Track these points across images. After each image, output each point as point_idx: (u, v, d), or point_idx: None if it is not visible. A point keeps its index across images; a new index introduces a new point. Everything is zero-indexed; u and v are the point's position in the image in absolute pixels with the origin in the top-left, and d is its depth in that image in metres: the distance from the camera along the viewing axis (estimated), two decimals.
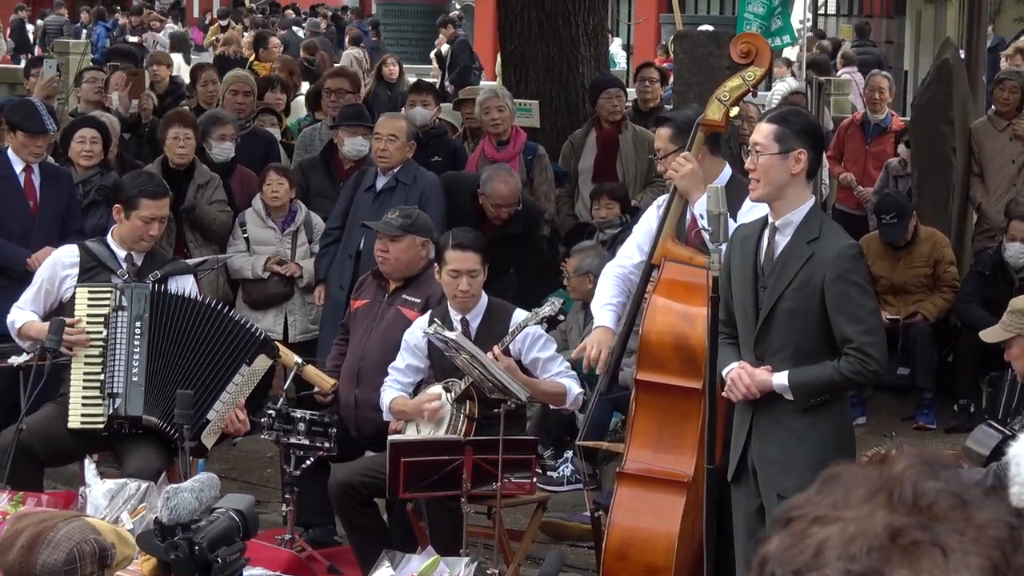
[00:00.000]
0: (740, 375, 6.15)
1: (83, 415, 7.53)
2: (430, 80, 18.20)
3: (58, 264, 7.83)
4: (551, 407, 8.21)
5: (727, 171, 6.99)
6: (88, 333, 7.56)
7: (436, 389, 7.64)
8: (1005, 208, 11.16)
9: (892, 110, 13.73)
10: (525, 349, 7.63)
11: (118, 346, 7.56)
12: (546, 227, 11.10)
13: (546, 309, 7.51)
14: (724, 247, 6.22)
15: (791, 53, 18.89)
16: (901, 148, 12.55)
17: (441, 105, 12.34)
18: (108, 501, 6.02)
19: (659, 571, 6.62)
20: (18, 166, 9.26)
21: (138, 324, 7.57)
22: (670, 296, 6.73)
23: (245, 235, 10.34)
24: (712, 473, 6.35)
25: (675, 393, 6.67)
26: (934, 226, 11.17)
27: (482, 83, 20.51)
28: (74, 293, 7.65)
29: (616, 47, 25.79)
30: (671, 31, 22.40)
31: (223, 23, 29.08)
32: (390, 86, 17.01)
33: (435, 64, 24.24)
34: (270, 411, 7.88)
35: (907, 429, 10.52)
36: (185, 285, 7.85)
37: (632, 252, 7.16)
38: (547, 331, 7.98)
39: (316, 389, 8.24)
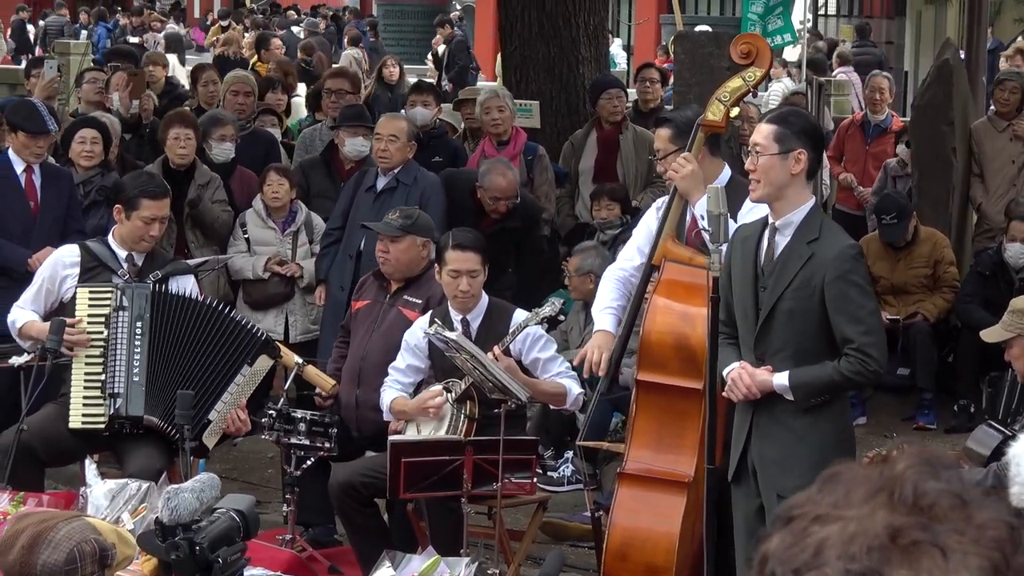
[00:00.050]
0: (740, 375, 6.16)
1: (84, 415, 7.53)
2: (428, 80, 18.19)
3: (59, 263, 7.83)
4: (551, 407, 8.21)
5: (726, 171, 6.99)
6: (89, 333, 7.56)
7: (437, 389, 7.64)
8: (1005, 208, 11.17)
9: (892, 111, 13.73)
10: (525, 349, 7.63)
11: (119, 346, 7.56)
12: (546, 227, 11.10)
13: (546, 309, 7.51)
14: (724, 247, 6.22)
15: (789, 54, 18.91)
16: (900, 148, 12.56)
17: (441, 106, 12.35)
18: (109, 501, 6.03)
19: (659, 571, 6.62)
20: (19, 166, 9.27)
21: (139, 324, 7.58)
22: (670, 296, 6.74)
23: (246, 235, 10.34)
24: (712, 473, 6.35)
25: (675, 393, 6.68)
26: (934, 226, 11.17)
27: (481, 83, 20.53)
28: (75, 293, 7.66)
29: (616, 48, 25.80)
30: (671, 32, 22.41)
31: (224, 23, 29.10)
32: (390, 88, 17.02)
33: (431, 64, 24.25)
34: (271, 411, 7.89)
35: (907, 429, 10.52)
36: (186, 285, 7.85)
37: (632, 255, 7.16)
38: (547, 331, 7.99)
39: (317, 390, 8.24)
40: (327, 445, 7.80)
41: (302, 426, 7.82)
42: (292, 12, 33.58)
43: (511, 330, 7.56)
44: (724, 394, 6.26)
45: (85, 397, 7.56)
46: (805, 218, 6.18)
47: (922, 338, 10.70)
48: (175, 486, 4.76)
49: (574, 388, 7.65)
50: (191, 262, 9.09)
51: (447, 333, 7.30)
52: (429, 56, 25.53)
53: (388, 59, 18.42)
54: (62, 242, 8.36)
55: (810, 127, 6.47)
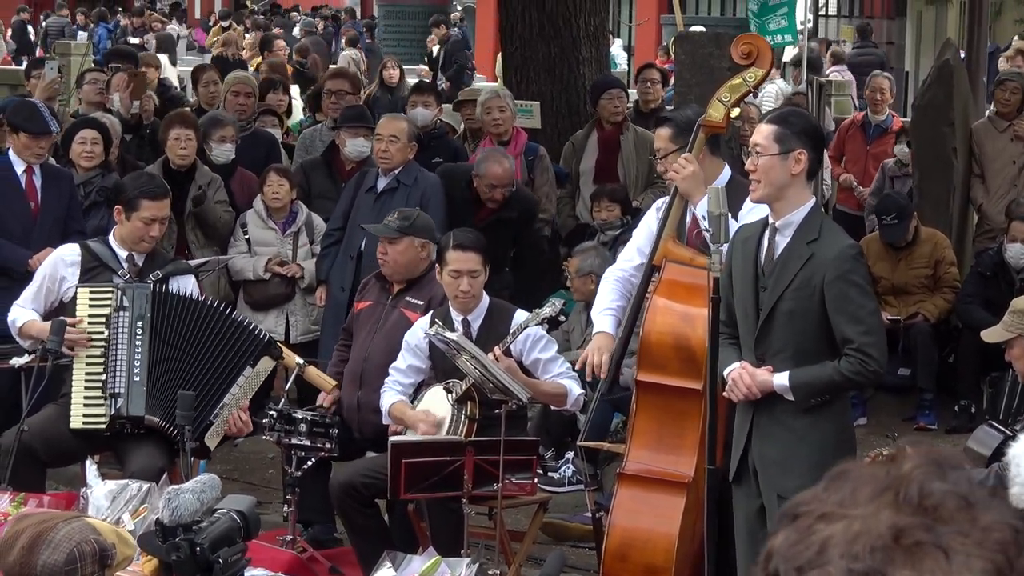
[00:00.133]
0: (741, 375, 6.16)
1: (85, 415, 7.54)
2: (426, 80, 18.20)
3: (59, 262, 7.84)
4: (552, 408, 8.21)
5: (727, 172, 6.99)
6: (89, 333, 7.57)
7: (438, 396, 7.63)
8: (1006, 209, 11.17)
9: (893, 111, 13.74)
10: (526, 350, 7.63)
11: (119, 346, 7.57)
12: (547, 228, 11.10)
13: (547, 310, 7.51)
14: (725, 248, 6.23)
15: (784, 54, 18.89)
16: (897, 148, 12.56)
17: (442, 106, 12.35)
18: (109, 502, 6.03)
19: (659, 572, 6.62)
20: (19, 167, 9.27)
21: (139, 324, 7.58)
22: (671, 297, 6.74)
23: (246, 236, 10.34)
24: (713, 474, 6.35)
25: (675, 394, 6.68)
26: (935, 227, 11.18)
27: (478, 83, 20.53)
28: (75, 293, 7.66)
29: (617, 48, 25.79)
30: (672, 32, 22.42)
31: (224, 24, 29.10)
32: (390, 90, 17.02)
33: (426, 65, 24.25)
34: (271, 412, 7.89)
35: (908, 430, 10.52)
36: (186, 285, 7.85)
37: (632, 255, 7.16)
38: (548, 332, 7.99)
39: (320, 395, 8.23)
40: (328, 446, 7.80)
41: (303, 427, 7.82)
42: (295, 13, 33.59)
43: (512, 331, 7.56)
44: (724, 394, 6.27)
45: (86, 397, 7.56)
46: (805, 218, 6.18)
47: (923, 338, 10.71)
48: (176, 487, 4.76)
49: (575, 389, 7.65)
50: (192, 263, 9.10)
51: (448, 334, 7.30)
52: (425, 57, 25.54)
53: (388, 61, 18.41)
54: (62, 243, 8.36)
55: (810, 127, 6.47)
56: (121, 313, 7.58)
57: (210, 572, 4.30)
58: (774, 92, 15.84)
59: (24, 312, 7.78)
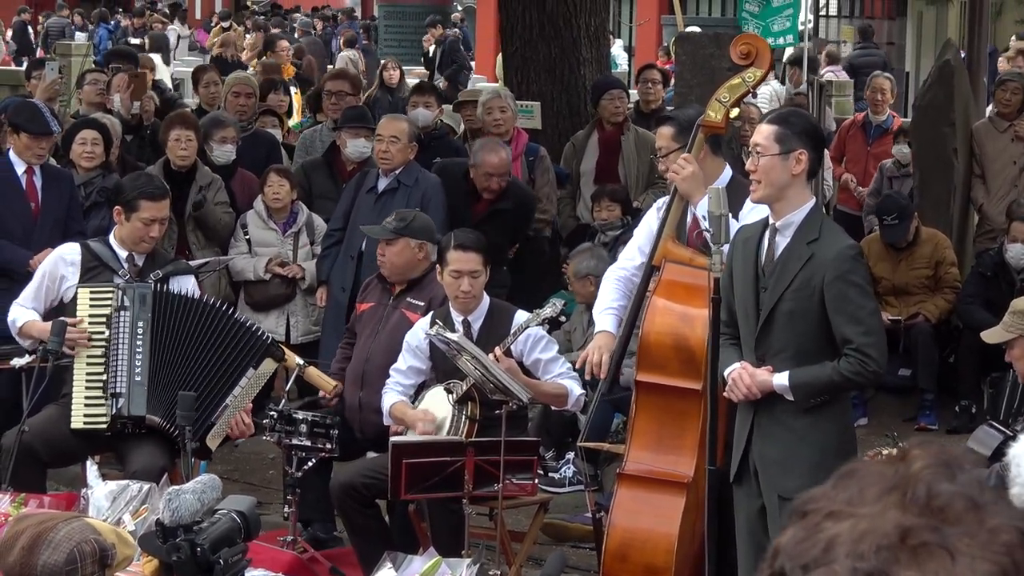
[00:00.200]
0: (741, 375, 6.16)
1: (86, 415, 7.54)
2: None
3: (60, 261, 7.84)
4: (552, 408, 8.21)
5: (727, 172, 6.99)
6: (90, 333, 7.57)
7: (438, 396, 7.63)
8: (1006, 209, 11.17)
9: (893, 111, 13.74)
10: (527, 350, 7.63)
11: (120, 346, 7.57)
12: (547, 228, 11.11)
13: (547, 310, 7.51)
14: (726, 248, 6.23)
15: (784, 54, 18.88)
16: (895, 149, 12.56)
17: (443, 107, 12.36)
18: (110, 502, 6.03)
19: (659, 572, 6.62)
20: (19, 168, 9.27)
21: (140, 324, 7.58)
22: (670, 297, 6.74)
23: (247, 237, 10.35)
24: (714, 474, 6.35)
25: (675, 394, 6.68)
26: (935, 227, 11.17)
27: (478, 83, 20.52)
28: (75, 293, 7.66)
29: (617, 49, 25.79)
30: (672, 33, 22.41)
31: (224, 25, 29.10)
32: (391, 90, 17.02)
33: (423, 66, 24.28)
34: (272, 412, 7.89)
35: (909, 430, 10.51)
36: (186, 285, 7.86)
37: (633, 254, 7.16)
38: (549, 332, 7.99)
39: (320, 394, 8.24)
40: (328, 446, 7.80)
41: (303, 427, 7.82)
42: (297, 14, 33.59)
43: (512, 331, 7.56)
44: (725, 394, 6.27)
45: (87, 397, 7.56)
46: (805, 218, 6.18)
47: (923, 339, 10.71)
48: (176, 487, 4.76)
49: (575, 389, 7.65)
50: (192, 263, 9.10)
51: (448, 334, 7.30)
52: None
53: (388, 62, 18.43)
54: (63, 243, 8.37)
55: (811, 127, 6.47)
56: (122, 313, 7.58)
57: (210, 573, 4.31)
58: (769, 93, 15.84)
59: (24, 312, 7.78)
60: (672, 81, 15.14)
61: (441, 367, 7.68)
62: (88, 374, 7.57)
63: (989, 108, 13.03)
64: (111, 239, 7.88)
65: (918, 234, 10.92)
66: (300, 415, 7.88)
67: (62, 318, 7.51)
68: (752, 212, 6.56)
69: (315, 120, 12.76)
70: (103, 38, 29.94)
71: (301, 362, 8.04)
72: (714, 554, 6.37)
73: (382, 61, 19.29)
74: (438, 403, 7.64)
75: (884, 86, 13.43)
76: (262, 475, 9.63)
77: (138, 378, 7.54)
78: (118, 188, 8.30)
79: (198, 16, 38.02)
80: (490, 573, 7.24)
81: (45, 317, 7.73)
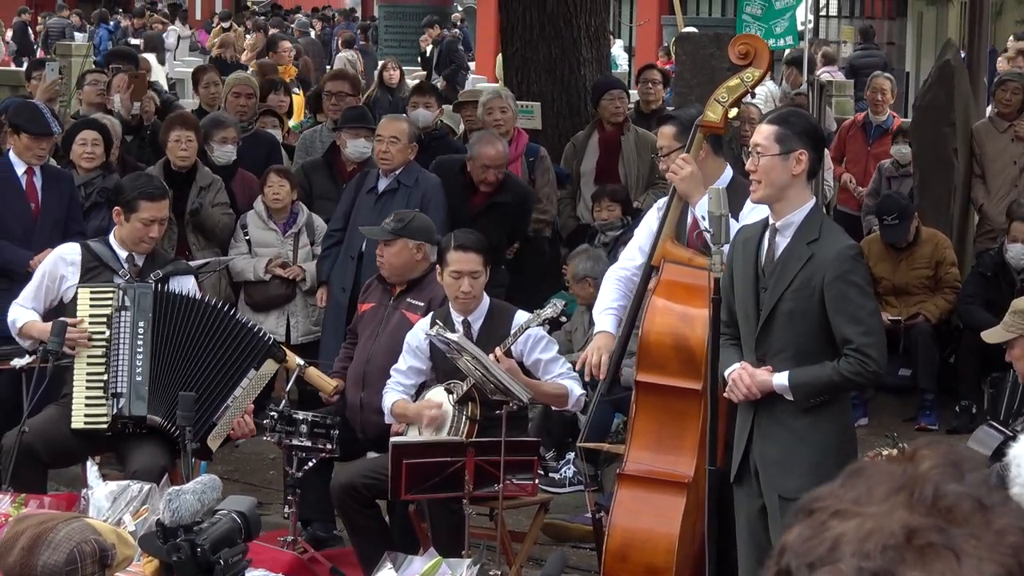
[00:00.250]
0: (741, 376, 6.16)
1: (86, 415, 7.54)
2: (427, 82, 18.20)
3: (60, 261, 7.84)
4: (553, 409, 8.21)
5: (728, 172, 6.99)
6: (90, 333, 7.57)
7: (438, 394, 7.64)
8: (1007, 209, 11.17)
9: (894, 111, 13.74)
10: (527, 351, 7.63)
11: (121, 346, 7.57)
12: (547, 228, 11.11)
13: (548, 311, 7.51)
14: (726, 248, 6.23)
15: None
16: (894, 149, 12.56)
17: (443, 107, 12.36)
18: (110, 503, 6.03)
19: (659, 572, 6.62)
20: (20, 168, 9.27)
21: (141, 324, 7.59)
22: (669, 297, 6.74)
23: (247, 237, 10.34)
24: (714, 474, 6.35)
25: (674, 394, 6.68)
26: (936, 227, 11.18)
27: (477, 83, 20.53)
28: (76, 293, 7.66)
29: (618, 49, 25.79)
30: (673, 33, 22.41)
31: (225, 25, 29.10)
32: (391, 90, 17.03)
33: (420, 65, 24.30)
34: (272, 413, 7.89)
35: (909, 430, 10.51)
36: (186, 286, 7.86)
37: (634, 255, 7.16)
38: (549, 333, 7.99)
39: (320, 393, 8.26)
40: (329, 446, 7.81)
41: (303, 427, 7.83)
42: (299, 15, 33.61)
43: (512, 331, 7.56)
44: (725, 394, 6.27)
45: (87, 397, 7.56)
46: (805, 219, 6.18)
47: (924, 339, 10.71)
48: (176, 488, 4.76)
49: (575, 389, 7.65)
50: (193, 263, 9.11)
51: (448, 334, 7.30)
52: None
53: (389, 62, 18.43)
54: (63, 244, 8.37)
55: (811, 127, 6.47)
56: (123, 313, 7.58)
57: (211, 573, 4.31)
58: (764, 94, 15.83)
59: (24, 312, 7.78)
60: (671, 80, 15.12)
61: (441, 367, 7.69)
62: (88, 374, 7.57)
63: (989, 108, 13.02)
64: (111, 239, 7.89)
65: (918, 234, 10.92)
66: (300, 415, 7.89)
67: (62, 318, 7.51)
68: (752, 212, 6.56)
69: (315, 120, 12.76)
70: (103, 39, 29.94)
71: (301, 363, 8.04)
72: (714, 554, 6.37)
73: (380, 62, 19.29)
74: (438, 399, 7.64)
75: (884, 86, 13.43)
76: (262, 475, 9.64)
77: (139, 378, 7.54)
78: (118, 188, 8.30)
79: (199, 16, 38.02)
80: (490, 573, 7.24)
81: (45, 317, 7.73)
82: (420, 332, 7.72)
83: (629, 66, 25.40)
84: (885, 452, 7.07)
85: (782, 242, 6.19)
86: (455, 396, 7.55)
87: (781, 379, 6.11)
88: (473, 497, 7.24)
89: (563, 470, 9.41)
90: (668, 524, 6.64)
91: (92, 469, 6.46)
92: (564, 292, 9.97)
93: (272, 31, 26.07)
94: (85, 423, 7.53)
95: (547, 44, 12.78)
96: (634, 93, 13.46)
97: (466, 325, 7.68)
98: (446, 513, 7.39)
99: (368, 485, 7.58)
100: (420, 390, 7.84)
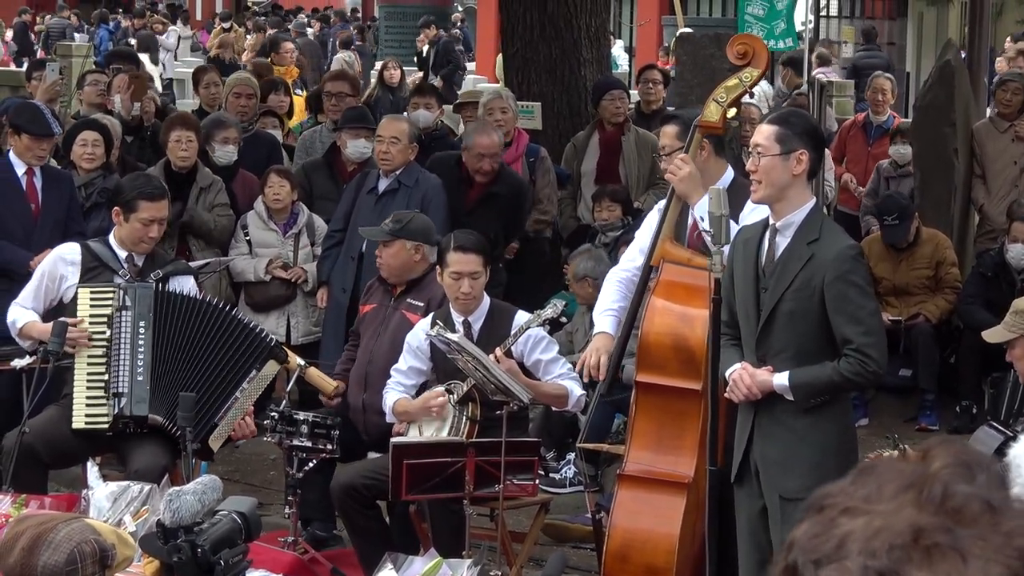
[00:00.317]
0: (741, 376, 6.16)
1: (87, 415, 7.54)
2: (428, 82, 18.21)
3: (59, 261, 7.84)
4: (553, 409, 8.22)
5: (729, 173, 7.00)
6: (91, 333, 7.57)
7: (439, 389, 7.64)
8: (1007, 210, 11.17)
9: (894, 112, 13.74)
10: (527, 351, 7.63)
11: (122, 346, 7.57)
12: (548, 229, 11.11)
13: (548, 311, 7.51)
14: (726, 249, 6.23)
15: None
16: (892, 149, 12.56)
17: (443, 107, 12.36)
18: (111, 503, 6.02)
19: (660, 572, 6.62)
20: (20, 169, 9.27)
21: (142, 324, 7.59)
22: (669, 298, 6.74)
23: (247, 237, 10.34)
24: (714, 475, 6.35)
25: (674, 394, 6.68)
26: (936, 228, 11.18)
27: (477, 83, 20.53)
28: (75, 294, 7.66)
29: (618, 49, 25.80)
30: (673, 33, 22.40)
31: (225, 26, 29.10)
32: (392, 90, 17.04)
33: (416, 66, 24.31)
34: (273, 413, 7.89)
35: (909, 430, 10.51)
36: (186, 286, 7.86)
37: (635, 256, 7.16)
38: (550, 333, 7.99)
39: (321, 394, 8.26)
40: (329, 447, 7.81)
41: (304, 428, 7.83)
42: (301, 15, 33.60)
43: (513, 332, 7.56)
44: (726, 395, 6.27)
45: (88, 397, 7.56)
46: (806, 219, 6.18)
47: (924, 339, 10.71)
48: (177, 488, 4.76)
49: (576, 390, 7.65)
50: (193, 264, 9.11)
51: (449, 335, 7.30)
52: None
53: (389, 62, 18.44)
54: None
55: (811, 128, 6.48)
56: (123, 312, 7.58)
57: (211, 574, 4.31)
58: (757, 93, 15.83)
59: (24, 313, 7.77)
60: (671, 80, 15.11)
61: (442, 368, 7.69)
62: (89, 374, 7.57)
63: (989, 108, 13.03)
64: (110, 239, 7.89)
65: (919, 234, 10.92)
66: (301, 416, 7.89)
67: (63, 319, 7.51)
68: (752, 213, 6.56)
69: (316, 120, 12.76)
70: (104, 39, 29.93)
71: (302, 363, 8.04)
72: (715, 555, 6.37)
73: (379, 62, 19.30)
74: None
75: (885, 86, 13.44)
76: (263, 476, 9.64)
77: (140, 378, 7.54)
78: (117, 189, 8.31)
79: (199, 17, 38.02)
80: (491, 574, 7.24)
81: (44, 317, 7.73)
82: (420, 332, 7.73)
83: (630, 66, 25.40)
84: (886, 453, 7.07)
85: (782, 242, 6.19)
86: (455, 396, 7.55)
87: (781, 379, 6.11)
88: (473, 497, 7.24)
89: (563, 470, 9.41)
90: (668, 524, 6.64)
91: (92, 470, 6.46)
92: (564, 292, 9.97)
93: (270, 31, 26.07)
94: (86, 423, 7.53)
95: (547, 44, 12.79)
96: (634, 93, 13.46)
97: (466, 325, 7.68)
98: (447, 513, 7.39)
99: (368, 485, 7.58)
100: (420, 390, 7.84)
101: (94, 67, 15.64)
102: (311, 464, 7.85)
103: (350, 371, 8.24)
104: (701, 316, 6.53)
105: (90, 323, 7.58)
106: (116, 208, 7.90)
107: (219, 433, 7.56)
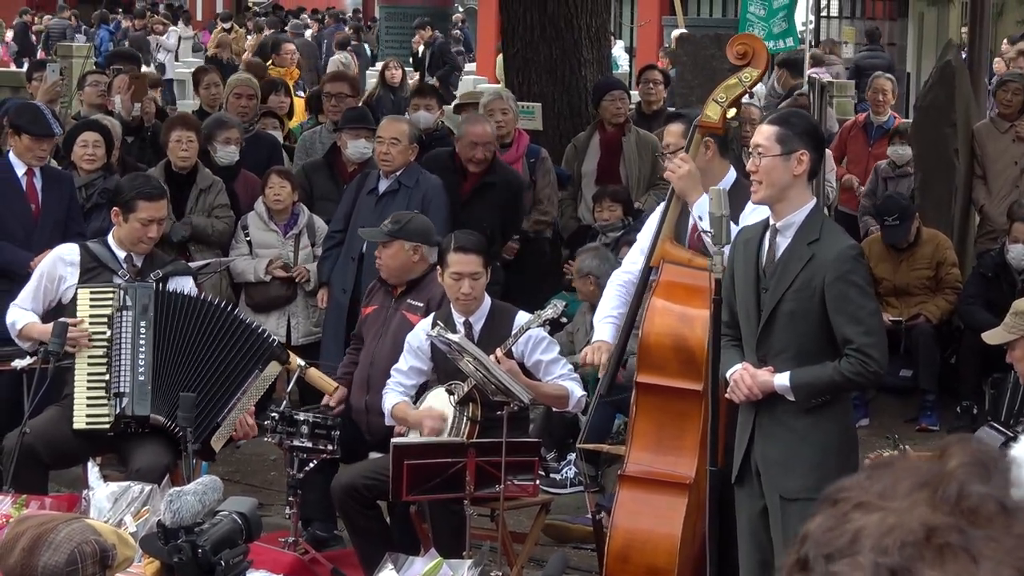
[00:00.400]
0: (742, 376, 6.16)
1: (88, 416, 7.53)
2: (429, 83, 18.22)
3: (58, 261, 7.84)
4: (554, 410, 8.22)
5: (732, 173, 7.00)
6: (91, 333, 7.56)
7: (440, 396, 7.63)
8: (1008, 210, 11.17)
9: (895, 112, 13.73)
10: (528, 351, 7.63)
11: (123, 346, 7.57)
12: (548, 229, 11.11)
13: (549, 312, 7.51)
14: (727, 249, 6.23)
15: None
16: (891, 150, 12.56)
17: (443, 108, 12.37)
18: (111, 504, 6.02)
19: (661, 573, 6.62)
20: (20, 169, 9.27)
21: (143, 323, 7.58)
22: (669, 298, 6.74)
23: (248, 238, 10.34)
24: (715, 475, 6.35)
25: (674, 395, 6.68)
26: (937, 228, 11.17)
27: (478, 84, 20.53)
28: (75, 294, 7.66)
29: (619, 50, 25.80)
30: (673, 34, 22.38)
31: (226, 26, 29.10)
32: (393, 90, 17.05)
33: (412, 67, 24.34)
34: (273, 414, 7.89)
35: (910, 431, 10.51)
36: (185, 286, 7.86)
37: (637, 257, 7.16)
38: (550, 334, 7.99)
39: (325, 398, 8.25)
40: (329, 447, 7.81)
41: (304, 428, 7.83)
42: (304, 15, 33.59)
43: (513, 332, 7.56)
44: (726, 395, 6.27)
45: (89, 398, 7.56)
46: (806, 219, 6.18)
47: (925, 339, 10.71)
48: (177, 488, 4.76)
49: (576, 390, 7.65)
50: (193, 264, 9.11)
51: (449, 335, 7.30)
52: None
53: (391, 62, 18.45)
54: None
55: (812, 128, 6.48)
56: (124, 312, 7.58)
57: (212, 574, 4.31)
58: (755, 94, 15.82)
59: (23, 314, 7.77)
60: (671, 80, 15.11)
61: (442, 368, 7.69)
62: (90, 374, 7.57)
63: (991, 108, 13.03)
64: (109, 240, 7.88)
65: (919, 235, 10.92)
66: (301, 416, 7.89)
67: (63, 319, 7.51)
68: (752, 213, 6.56)
69: (317, 121, 12.77)
70: (104, 40, 29.93)
71: (303, 364, 8.04)
72: (716, 555, 6.37)
73: (380, 63, 19.30)
74: (439, 404, 7.65)
75: (885, 87, 13.43)
76: (263, 476, 9.64)
77: (141, 378, 7.54)
78: (116, 189, 8.31)
79: (199, 17, 38.02)
80: (492, 574, 7.24)
81: (44, 318, 7.72)
82: (421, 332, 7.73)
83: (630, 67, 25.42)
84: (886, 453, 7.07)
85: (783, 243, 6.19)
86: (456, 397, 7.55)
87: (782, 380, 6.11)
88: (474, 498, 7.24)
89: (564, 471, 9.41)
90: (669, 525, 6.64)
91: (93, 470, 6.45)
92: (564, 293, 9.97)
93: (267, 32, 26.07)
94: (87, 423, 7.53)
95: (548, 45, 12.79)
96: (635, 94, 13.46)
97: (467, 326, 7.68)
98: (447, 514, 7.39)
99: (369, 486, 7.58)
100: (421, 391, 7.84)
101: (95, 68, 15.63)
102: (311, 464, 7.85)
103: (352, 374, 8.24)
104: (701, 316, 6.53)
105: (90, 323, 7.58)
106: (115, 208, 7.90)
107: (221, 433, 7.56)
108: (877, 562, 1.50)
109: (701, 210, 6.55)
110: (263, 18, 31.45)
